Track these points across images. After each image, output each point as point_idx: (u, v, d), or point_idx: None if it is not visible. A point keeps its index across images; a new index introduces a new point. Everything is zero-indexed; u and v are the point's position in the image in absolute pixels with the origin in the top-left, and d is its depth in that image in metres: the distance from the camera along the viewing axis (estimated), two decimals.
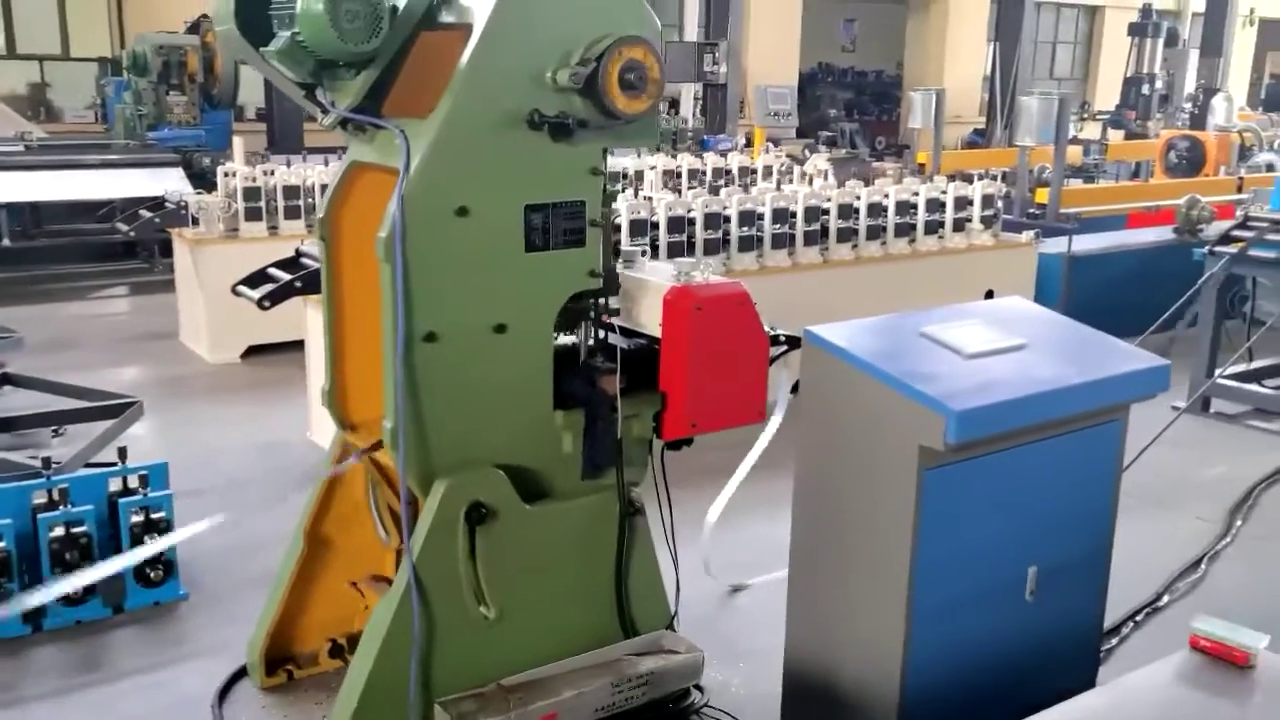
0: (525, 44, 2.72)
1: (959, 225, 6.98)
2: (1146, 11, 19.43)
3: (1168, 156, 10.83)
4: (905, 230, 6.75)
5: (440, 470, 2.80)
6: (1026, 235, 7.19)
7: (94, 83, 12.37)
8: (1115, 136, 17.95)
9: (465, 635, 2.87)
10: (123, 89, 10.24)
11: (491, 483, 2.84)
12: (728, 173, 8.76)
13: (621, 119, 2.84)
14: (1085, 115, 21.06)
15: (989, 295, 7.10)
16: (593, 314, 3.07)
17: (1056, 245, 7.54)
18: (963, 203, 6.99)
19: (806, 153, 9.95)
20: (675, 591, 3.25)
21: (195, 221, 6.74)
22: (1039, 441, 2.72)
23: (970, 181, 7.24)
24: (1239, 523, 4.59)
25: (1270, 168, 9.83)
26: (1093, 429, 2.84)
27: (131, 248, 9.36)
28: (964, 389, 2.55)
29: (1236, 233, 5.71)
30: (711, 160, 8.76)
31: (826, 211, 6.36)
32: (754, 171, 8.88)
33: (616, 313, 3.17)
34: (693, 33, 16.71)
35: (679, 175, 8.45)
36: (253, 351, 6.74)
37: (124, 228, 6.96)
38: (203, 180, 8.37)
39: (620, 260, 3.29)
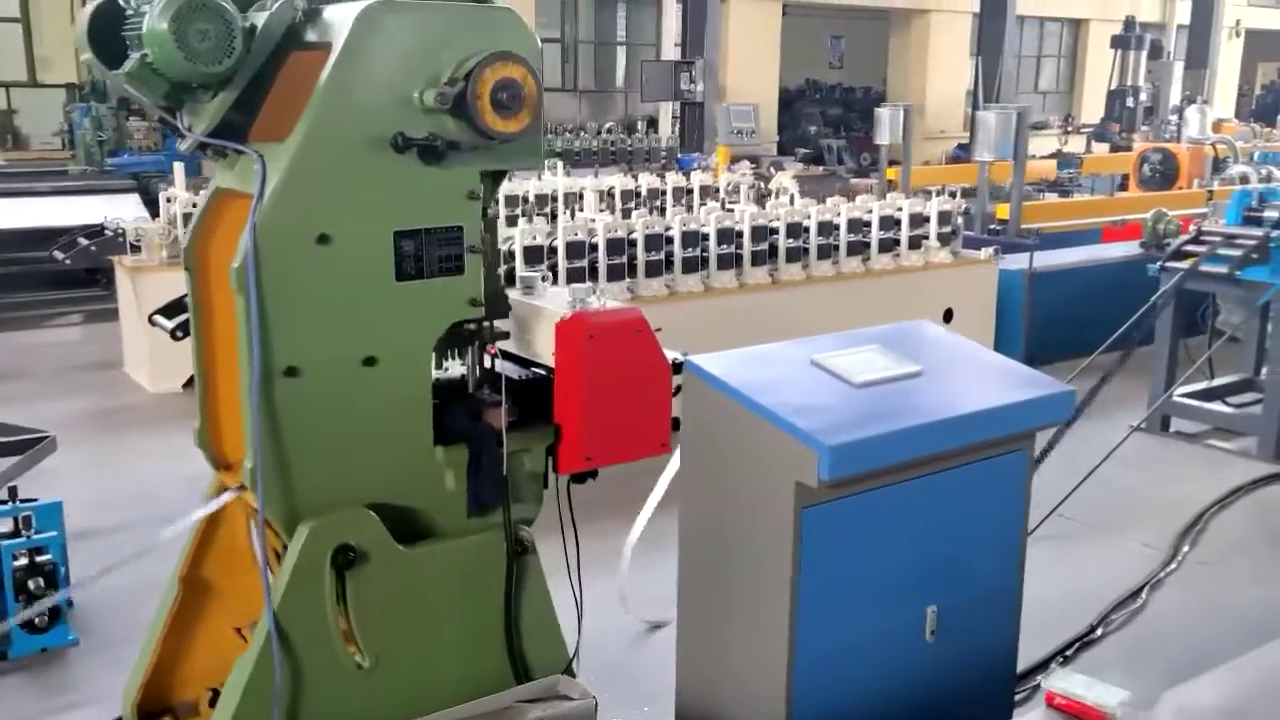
0: (389, 62, 2.59)
1: (917, 243, 6.86)
2: (1129, 24, 19.41)
3: (1141, 170, 10.71)
4: (862, 249, 6.64)
5: (306, 512, 2.66)
6: (985, 252, 7.07)
7: (61, 109, 12.29)
8: (1100, 149, 17.88)
9: (337, 685, 2.72)
10: (85, 115, 10.16)
11: (361, 524, 2.70)
12: (689, 192, 8.64)
13: (496, 140, 2.72)
14: (1069, 129, 21.01)
15: (948, 314, 6.99)
16: (476, 344, 2.94)
17: (1019, 262, 7.41)
18: (921, 220, 6.88)
19: (773, 170, 9.84)
20: (577, 632, 3.11)
21: (137, 249, 6.62)
22: (932, 474, 2.58)
23: (929, 198, 7.12)
24: (1186, 548, 4.44)
25: (1244, 179, 9.70)
26: (993, 459, 2.70)
27: (92, 274, 9.24)
28: (843, 422, 2.41)
29: (1189, 247, 5.58)
30: (672, 179, 8.64)
31: (775, 231, 6.24)
32: (717, 190, 8.76)
33: (506, 336, 3.05)
34: (670, 51, 16.65)
35: (638, 195, 8.34)
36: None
37: (60, 255, 6.86)
38: None
39: (520, 286, 3.19)
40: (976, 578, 2.77)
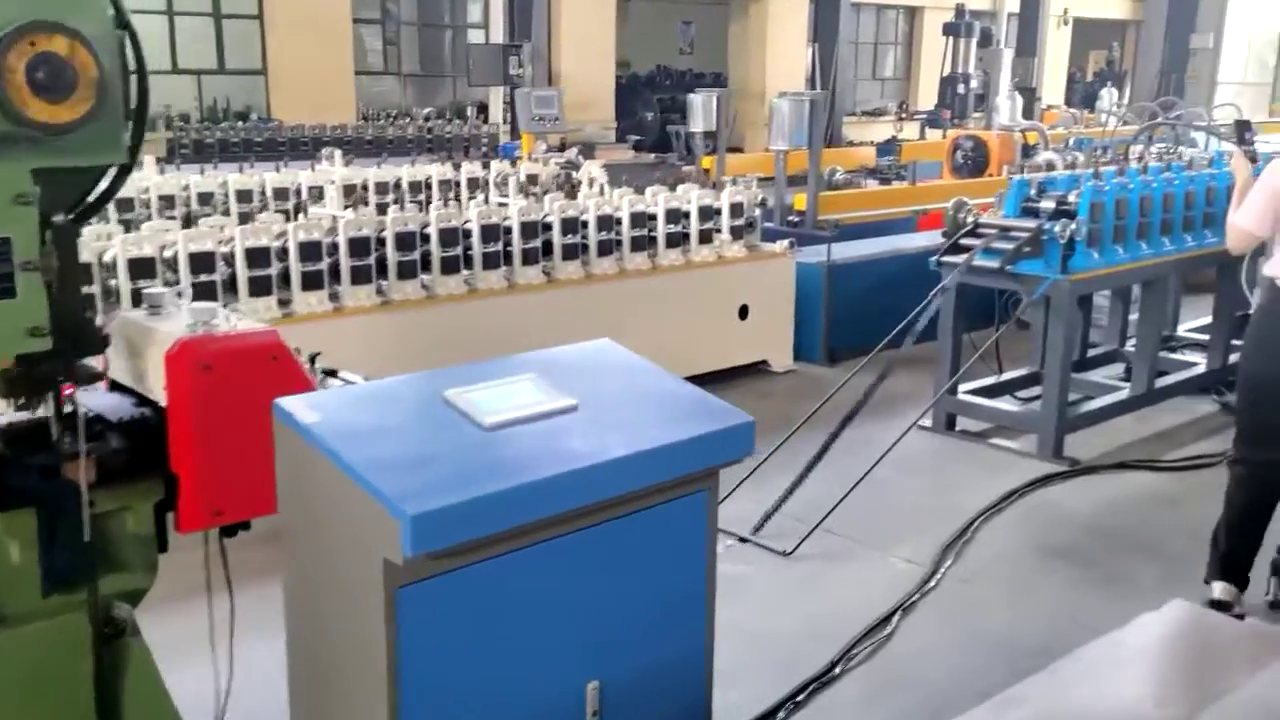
0: None
1: (709, 237, 6.52)
2: (960, 11, 19.69)
3: (954, 157, 10.69)
4: (650, 244, 6.25)
5: None
6: (781, 245, 6.78)
7: None
8: (934, 136, 18.06)
9: None
10: None
11: None
12: (486, 184, 8.12)
13: (42, 130, 2.17)
14: (904, 115, 21.26)
15: (743, 310, 6.69)
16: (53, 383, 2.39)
17: (819, 254, 7.15)
18: (712, 212, 6.53)
19: (580, 159, 9.39)
20: (220, 715, 2.60)
21: None
22: (582, 530, 2.17)
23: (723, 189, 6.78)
24: (949, 562, 4.18)
25: (1051, 166, 9.69)
26: (664, 506, 2.31)
27: None
28: (448, 479, 1.96)
29: (965, 240, 5.36)
30: (466, 170, 8.10)
31: (549, 227, 5.78)
32: (531, 180, 8.25)
33: (97, 373, 2.51)
34: (500, 34, 16.05)
35: (429, 187, 7.79)
36: None
37: None
38: None
39: (145, 305, 2.66)
40: (651, 644, 2.37)
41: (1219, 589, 3.65)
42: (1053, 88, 25.85)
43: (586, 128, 17.41)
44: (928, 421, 5.72)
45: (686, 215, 6.41)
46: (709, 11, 23.89)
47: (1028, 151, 10.63)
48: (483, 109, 16.14)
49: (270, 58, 14.31)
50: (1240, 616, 2.18)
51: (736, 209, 6.59)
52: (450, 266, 5.40)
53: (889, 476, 4.91)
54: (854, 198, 9.21)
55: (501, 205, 6.03)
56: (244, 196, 6.97)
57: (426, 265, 5.36)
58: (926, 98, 22.78)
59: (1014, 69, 20.54)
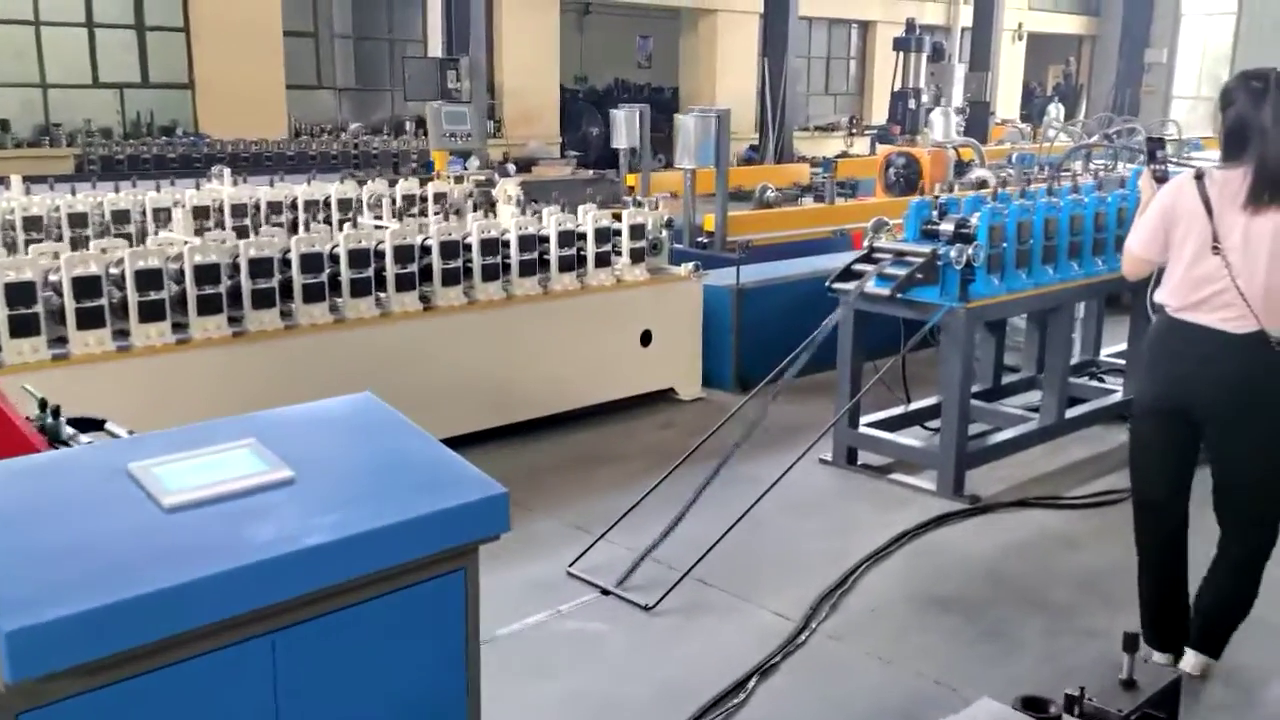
0: None
1: (608, 260, 6.21)
2: (910, 26, 19.58)
3: (887, 174, 10.47)
4: (542, 268, 5.93)
5: None
6: (685, 268, 6.48)
7: None
8: (886, 151, 17.89)
9: None
10: None
11: None
12: (413, 201, 7.78)
13: None
14: (855, 130, 21.12)
15: (646, 337, 6.39)
16: None
17: (730, 277, 6.86)
18: (611, 234, 6.23)
19: (497, 176, 9.07)
20: None
21: None
22: (280, 631, 1.84)
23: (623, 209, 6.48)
24: (822, 616, 3.87)
25: (983, 184, 9.48)
26: (397, 595, 1.98)
27: None
28: (79, 581, 1.63)
29: (859, 266, 5.08)
30: (369, 189, 7.76)
31: (428, 250, 5.45)
32: (424, 199, 7.93)
33: None
34: (439, 48, 15.74)
35: (327, 205, 7.44)
36: None
37: None
38: None
39: None
40: None
41: (1156, 658, 3.35)
42: (1008, 102, 25.87)
43: (530, 143, 17.15)
44: (829, 455, 5.43)
45: (584, 237, 6.11)
46: (667, 25, 23.71)
47: (961, 169, 10.42)
48: (422, 123, 15.81)
49: (197, 71, 13.94)
50: (1056, 719, 1.88)
51: (637, 231, 6.29)
52: (314, 294, 5.06)
53: (777, 517, 4.62)
54: (770, 217, 8.96)
55: (379, 228, 5.70)
56: (121, 217, 6.62)
57: (290, 293, 5.02)
58: (880, 112, 22.66)
59: (967, 83, 20.52)
